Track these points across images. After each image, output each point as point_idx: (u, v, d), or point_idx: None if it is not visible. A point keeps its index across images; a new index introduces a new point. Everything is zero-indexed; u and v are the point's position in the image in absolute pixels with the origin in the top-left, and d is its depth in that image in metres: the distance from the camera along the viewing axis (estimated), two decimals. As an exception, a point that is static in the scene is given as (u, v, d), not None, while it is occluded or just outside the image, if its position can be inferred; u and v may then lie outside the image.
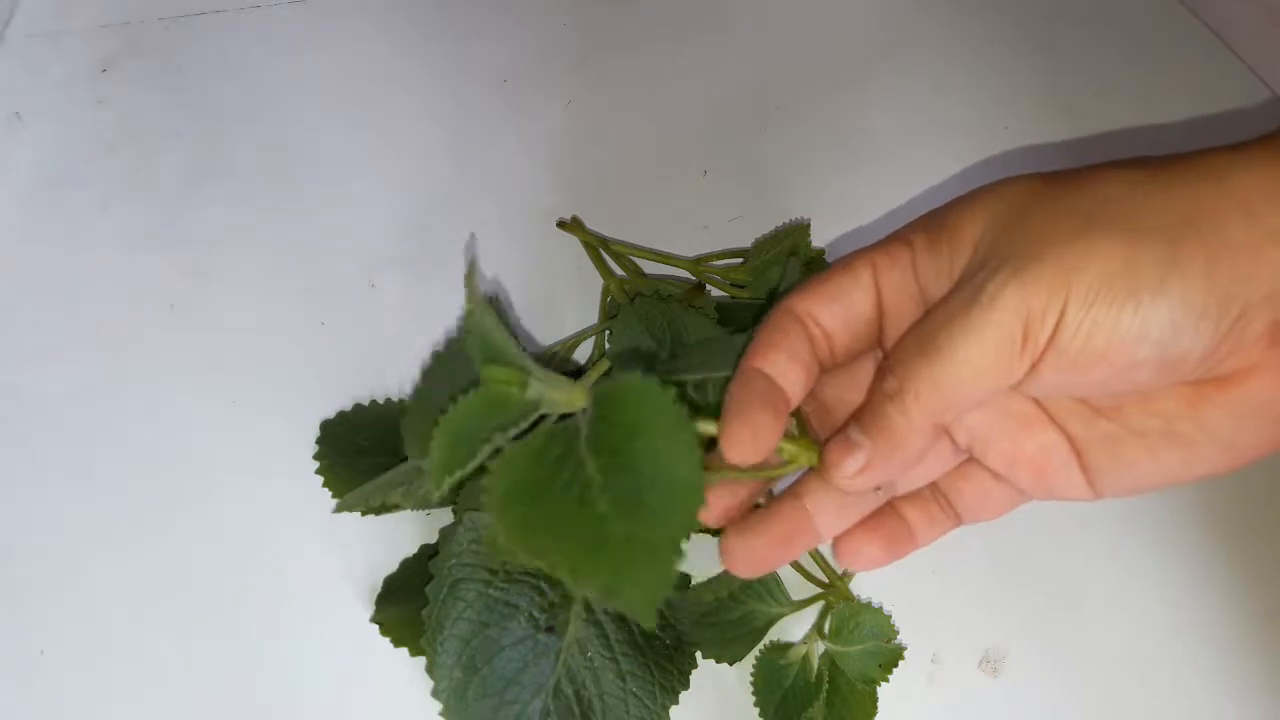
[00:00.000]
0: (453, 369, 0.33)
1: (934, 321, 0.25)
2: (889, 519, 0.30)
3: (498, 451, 0.25)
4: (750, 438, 0.25)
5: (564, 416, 0.27)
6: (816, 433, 0.31)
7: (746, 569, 0.28)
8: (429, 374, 0.35)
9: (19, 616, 0.40)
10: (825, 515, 0.29)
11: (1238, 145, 0.25)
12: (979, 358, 0.24)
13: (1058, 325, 0.23)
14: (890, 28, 0.59)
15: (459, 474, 0.25)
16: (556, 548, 0.23)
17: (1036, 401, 0.28)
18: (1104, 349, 0.23)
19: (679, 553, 0.23)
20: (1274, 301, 0.23)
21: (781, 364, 0.27)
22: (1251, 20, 0.56)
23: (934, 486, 0.31)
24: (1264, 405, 0.24)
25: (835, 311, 0.28)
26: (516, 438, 0.25)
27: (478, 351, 0.26)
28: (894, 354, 0.26)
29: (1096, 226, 0.23)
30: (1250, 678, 0.39)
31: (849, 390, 0.31)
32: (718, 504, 0.28)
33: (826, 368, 0.29)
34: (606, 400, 0.26)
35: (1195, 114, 0.55)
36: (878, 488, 0.29)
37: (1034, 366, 0.24)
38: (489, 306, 0.28)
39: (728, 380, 0.30)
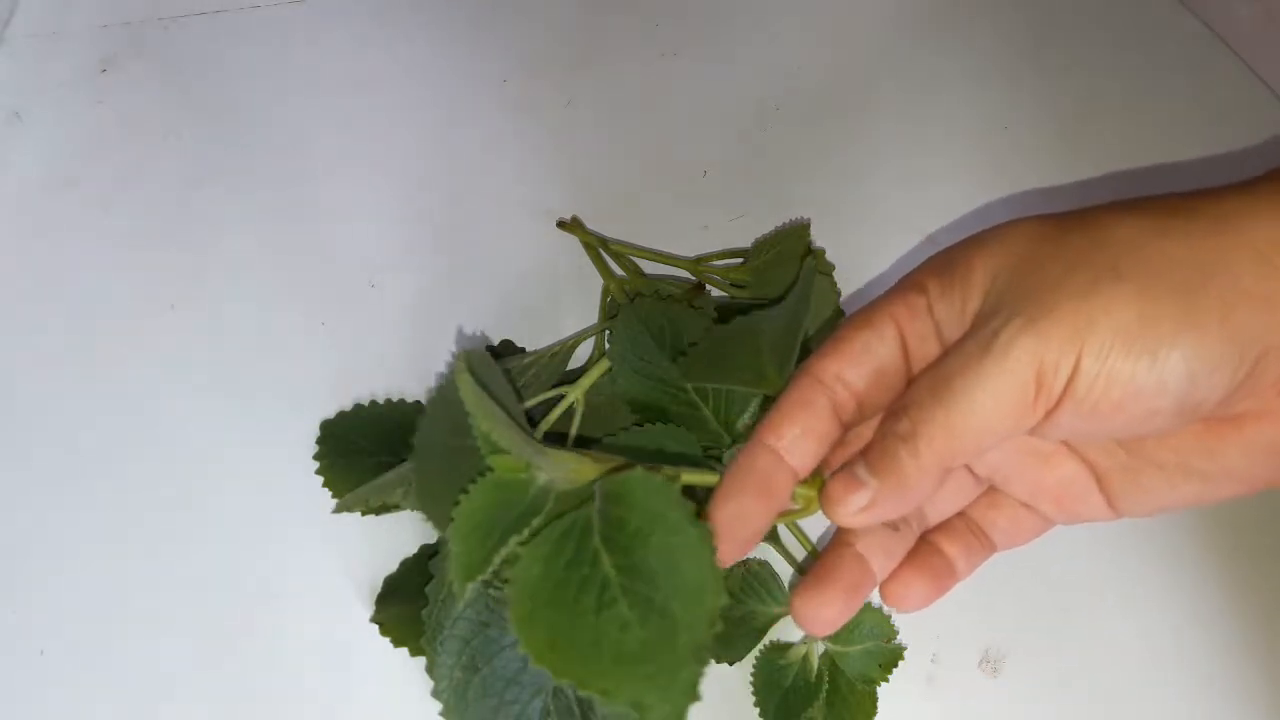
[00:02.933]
0: (451, 413, 0.32)
1: (948, 367, 0.25)
2: (931, 556, 0.30)
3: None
4: (732, 521, 0.26)
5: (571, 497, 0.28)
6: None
7: (824, 629, 0.29)
8: (430, 417, 0.35)
9: (19, 616, 0.40)
10: (875, 557, 0.30)
11: (1249, 185, 0.24)
12: (993, 405, 0.24)
13: (1073, 376, 0.23)
14: (890, 28, 0.59)
15: (480, 577, 0.26)
16: (584, 666, 0.24)
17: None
18: (1120, 399, 0.23)
19: (702, 659, 0.23)
20: None
21: (795, 439, 0.27)
22: (1251, 20, 0.56)
23: (967, 518, 0.31)
24: (1277, 445, 0.24)
25: (864, 371, 0.28)
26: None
27: (483, 443, 0.27)
28: (907, 396, 0.26)
29: (1109, 278, 0.23)
30: (1250, 678, 0.39)
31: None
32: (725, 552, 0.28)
33: (855, 423, 0.29)
34: (615, 495, 0.26)
35: (1195, 114, 0.55)
36: (896, 527, 0.30)
37: (1050, 414, 0.24)
38: (483, 373, 0.28)
39: (750, 402, 0.31)
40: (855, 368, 0.28)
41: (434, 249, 0.50)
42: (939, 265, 0.27)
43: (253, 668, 0.39)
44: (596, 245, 0.48)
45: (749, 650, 0.38)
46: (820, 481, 0.28)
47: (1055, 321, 0.23)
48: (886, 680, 0.37)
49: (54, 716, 0.38)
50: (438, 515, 0.30)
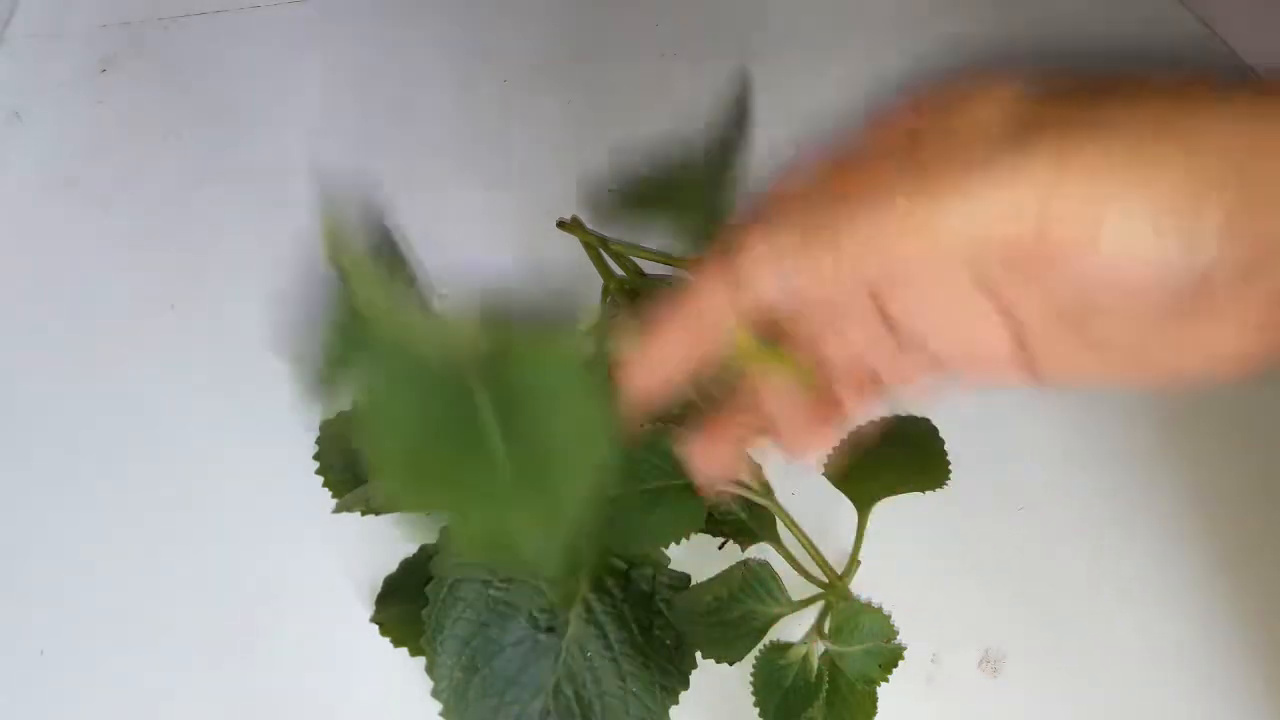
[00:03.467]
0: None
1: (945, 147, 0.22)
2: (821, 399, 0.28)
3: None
4: (661, 350, 0.26)
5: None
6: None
7: (712, 464, 0.28)
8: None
9: (19, 616, 0.40)
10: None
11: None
12: (991, 201, 0.21)
13: (1094, 228, 0.21)
14: (890, 28, 0.59)
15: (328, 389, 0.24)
16: (445, 490, 0.22)
17: (995, 298, 0.25)
18: (1136, 270, 0.21)
19: (577, 509, 0.22)
20: None
21: (723, 290, 0.25)
22: (1251, 20, 0.56)
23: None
24: (1228, 355, 0.23)
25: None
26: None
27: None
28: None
29: (1161, 131, 0.21)
30: (1250, 677, 0.39)
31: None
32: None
33: None
34: (505, 355, 0.24)
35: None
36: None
37: (1049, 262, 0.22)
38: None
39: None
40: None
41: (434, 248, 0.50)
42: (923, 105, 0.25)
43: (253, 667, 0.39)
44: (596, 245, 0.48)
45: (749, 650, 0.38)
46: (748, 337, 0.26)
47: (1103, 154, 0.21)
48: (886, 680, 0.37)
49: (54, 716, 0.38)
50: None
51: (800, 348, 0.28)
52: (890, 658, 0.37)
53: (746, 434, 0.29)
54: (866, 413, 0.29)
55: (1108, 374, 0.24)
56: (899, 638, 0.37)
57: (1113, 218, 0.21)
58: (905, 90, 0.26)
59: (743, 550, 0.39)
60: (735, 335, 0.27)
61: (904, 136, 0.25)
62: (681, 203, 0.31)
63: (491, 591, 0.33)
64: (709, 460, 0.29)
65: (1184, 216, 0.21)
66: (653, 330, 0.26)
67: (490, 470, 0.22)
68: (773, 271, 0.24)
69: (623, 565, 0.37)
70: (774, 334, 0.28)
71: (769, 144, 0.54)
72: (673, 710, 0.35)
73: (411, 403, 0.23)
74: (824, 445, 0.28)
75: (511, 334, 0.24)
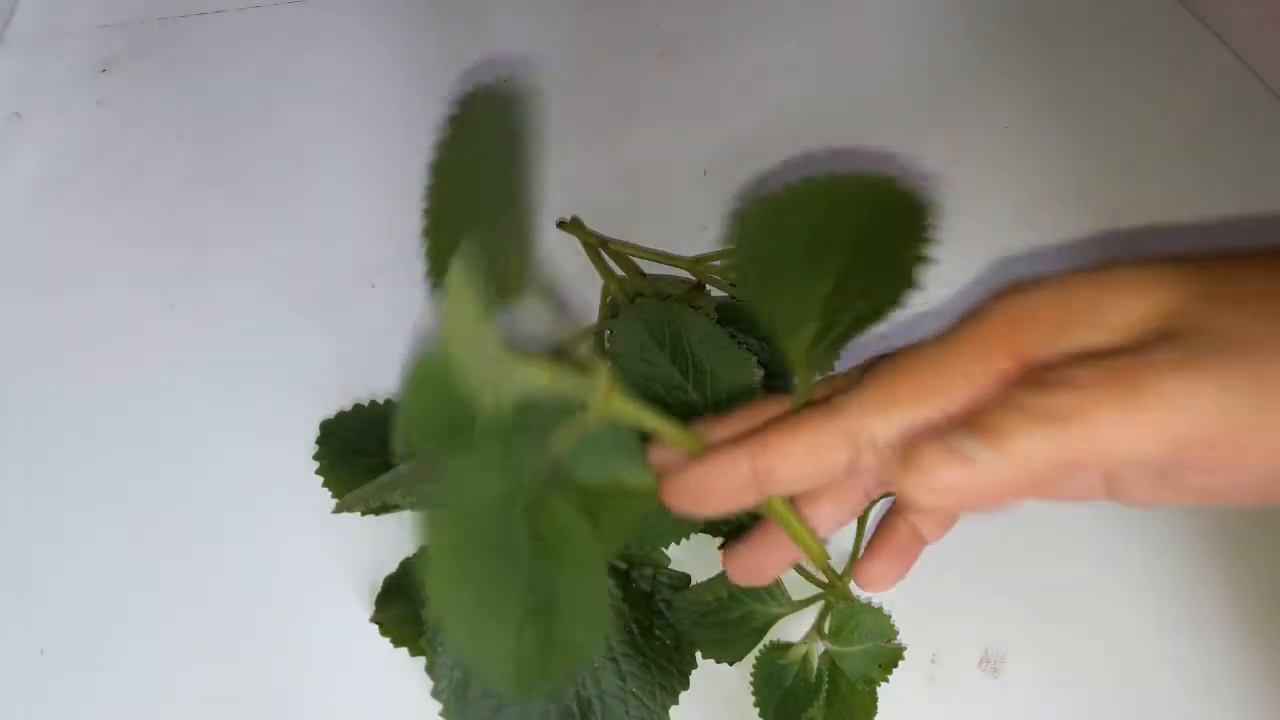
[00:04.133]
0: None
1: (1126, 363, 0.22)
2: (894, 539, 0.30)
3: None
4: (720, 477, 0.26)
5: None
6: None
7: (881, 584, 0.29)
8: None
9: (19, 616, 0.40)
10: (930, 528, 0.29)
11: None
12: (1173, 424, 0.21)
13: (1255, 443, 0.21)
14: (890, 27, 0.59)
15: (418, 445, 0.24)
16: (473, 609, 0.23)
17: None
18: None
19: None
20: None
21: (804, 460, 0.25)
22: (1251, 21, 0.56)
23: None
24: None
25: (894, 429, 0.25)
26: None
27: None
28: (1056, 376, 0.22)
29: None
30: (1250, 677, 0.39)
31: None
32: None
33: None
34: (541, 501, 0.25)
35: (1195, 114, 0.55)
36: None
37: (1213, 467, 0.22)
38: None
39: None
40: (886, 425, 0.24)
41: (434, 249, 0.50)
42: (1049, 303, 0.24)
43: (253, 667, 0.39)
44: (596, 245, 0.48)
45: (749, 650, 0.38)
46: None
47: (1258, 380, 0.21)
48: (886, 680, 0.37)
49: (54, 716, 0.38)
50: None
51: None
52: (890, 658, 0.37)
53: (788, 561, 0.29)
54: (943, 535, 0.30)
55: (1179, 501, 0.25)
56: (899, 638, 0.38)
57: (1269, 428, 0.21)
58: (1021, 290, 0.24)
59: (743, 550, 0.39)
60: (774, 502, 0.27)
61: (1021, 337, 0.24)
62: None
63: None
64: (743, 572, 0.29)
65: None
66: (712, 460, 0.26)
67: (515, 601, 0.23)
68: (956, 481, 0.22)
69: (623, 565, 0.37)
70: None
71: (767, 139, 0.54)
72: (673, 710, 0.35)
73: (473, 516, 0.24)
74: (898, 577, 0.29)
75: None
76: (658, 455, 0.27)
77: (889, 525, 0.30)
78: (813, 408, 0.25)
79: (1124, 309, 0.22)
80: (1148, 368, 0.21)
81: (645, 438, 0.27)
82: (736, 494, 0.26)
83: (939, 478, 0.22)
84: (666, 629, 0.36)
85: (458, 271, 0.24)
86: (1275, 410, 0.21)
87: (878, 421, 0.24)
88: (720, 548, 0.30)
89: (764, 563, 0.29)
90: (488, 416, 0.24)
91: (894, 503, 0.31)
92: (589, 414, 0.25)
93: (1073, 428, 0.21)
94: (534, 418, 0.25)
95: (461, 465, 0.24)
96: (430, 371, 0.24)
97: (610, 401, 0.25)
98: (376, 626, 0.38)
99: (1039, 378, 0.22)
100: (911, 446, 0.23)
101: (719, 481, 0.26)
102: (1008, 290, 0.24)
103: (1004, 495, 0.22)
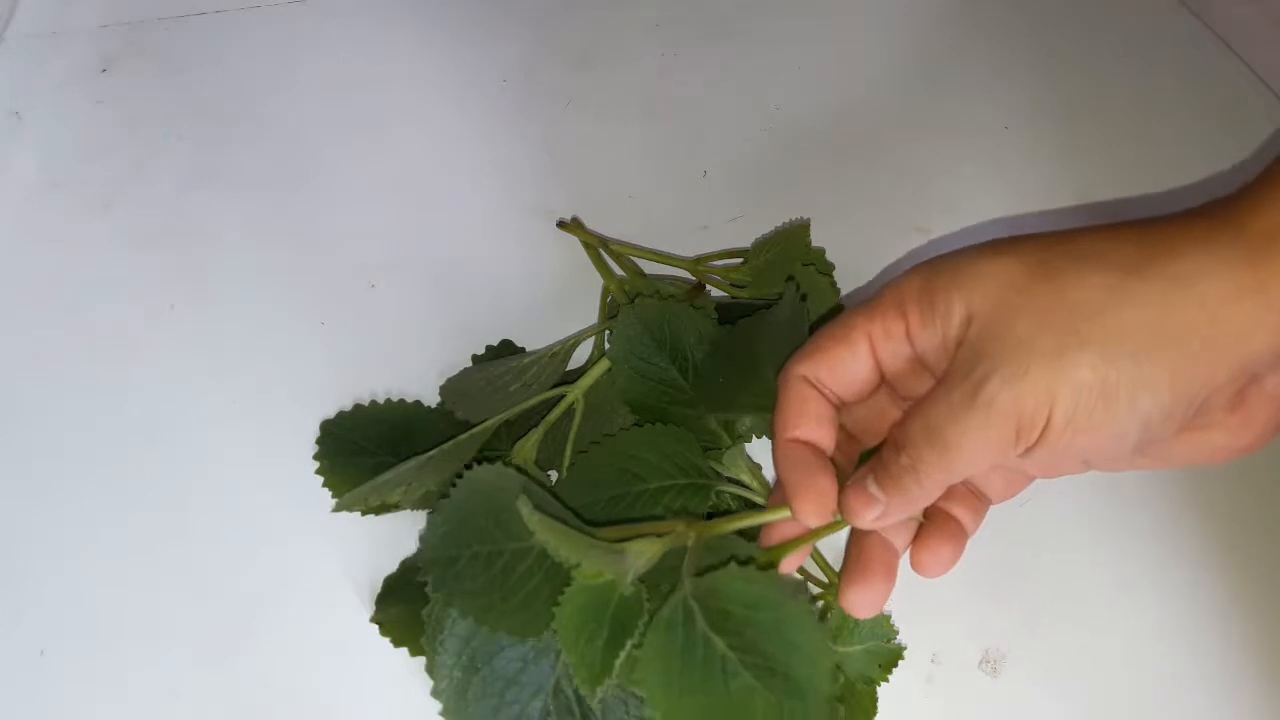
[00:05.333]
0: (475, 490, 0.34)
1: (938, 415, 0.28)
2: (947, 521, 0.34)
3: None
4: (818, 504, 0.31)
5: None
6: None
7: (870, 610, 0.33)
8: (445, 521, 0.34)
9: (19, 616, 0.40)
10: (899, 538, 0.34)
11: (1206, 232, 0.27)
12: (980, 449, 0.28)
13: (1046, 427, 0.27)
14: (890, 27, 0.59)
15: (608, 681, 0.29)
16: None
17: None
18: (1086, 444, 0.27)
19: (836, 712, 0.27)
20: (1232, 385, 0.27)
21: (813, 429, 0.32)
22: (1251, 21, 0.56)
23: (966, 482, 0.35)
24: (1220, 447, 0.29)
25: (838, 377, 0.32)
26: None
27: (565, 562, 0.30)
28: (904, 433, 0.30)
29: (1073, 344, 0.27)
30: (1249, 677, 0.39)
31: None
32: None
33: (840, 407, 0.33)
34: (714, 591, 0.30)
35: (1195, 114, 0.55)
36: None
37: (1029, 452, 0.28)
38: (538, 499, 0.31)
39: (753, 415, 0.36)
40: (830, 373, 0.32)
41: (434, 249, 0.50)
42: (920, 294, 0.30)
43: (253, 667, 0.39)
44: (596, 245, 0.48)
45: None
46: None
47: (1030, 383, 0.27)
48: (886, 680, 0.37)
49: (54, 716, 0.38)
50: (514, 624, 0.32)
51: None
52: (890, 658, 0.37)
53: (890, 562, 0.34)
54: (979, 525, 0.35)
55: (1132, 463, 0.30)
56: (899, 638, 0.38)
57: (1056, 414, 0.27)
58: (906, 278, 0.31)
59: (743, 550, 0.39)
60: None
61: (903, 319, 0.31)
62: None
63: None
64: (872, 600, 0.33)
65: (1101, 402, 0.27)
66: (796, 484, 0.31)
67: (748, 700, 0.28)
68: (876, 516, 0.31)
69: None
70: None
71: (767, 140, 0.55)
72: (673, 710, 0.35)
73: (663, 655, 0.29)
74: (953, 562, 0.33)
75: (720, 579, 0.30)
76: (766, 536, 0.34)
77: (857, 544, 0.34)
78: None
79: (958, 311, 0.29)
80: (950, 411, 0.28)
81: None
82: (824, 467, 0.32)
83: (860, 516, 0.31)
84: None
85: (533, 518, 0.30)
86: (1050, 395, 0.27)
87: (809, 368, 0.32)
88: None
89: (880, 584, 0.33)
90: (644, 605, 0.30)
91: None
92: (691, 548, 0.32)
93: (919, 472, 0.29)
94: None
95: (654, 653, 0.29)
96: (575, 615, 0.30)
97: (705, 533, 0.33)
98: (376, 626, 0.38)
99: (893, 435, 0.30)
100: (843, 493, 0.31)
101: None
102: (905, 278, 0.31)
103: (906, 514, 0.31)
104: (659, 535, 0.32)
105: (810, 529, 0.32)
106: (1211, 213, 0.27)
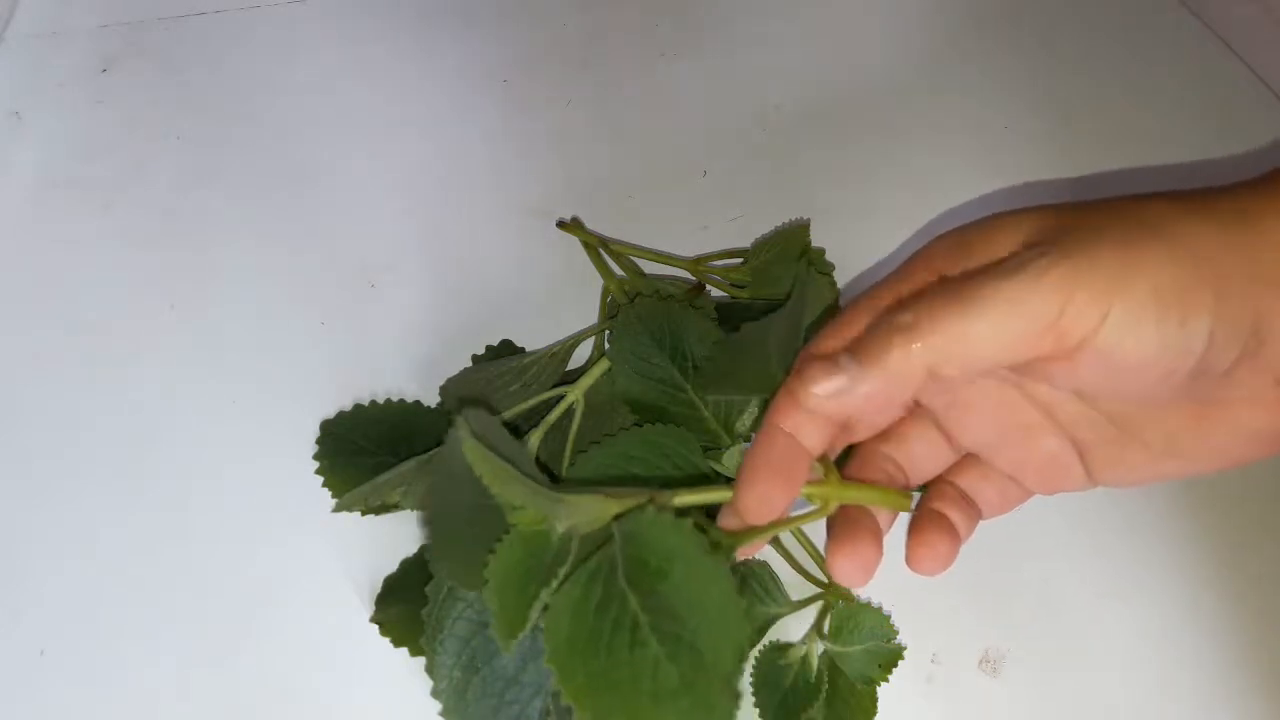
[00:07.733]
0: (459, 471, 0.33)
1: (971, 279, 0.25)
2: (940, 519, 0.31)
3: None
4: (758, 504, 0.27)
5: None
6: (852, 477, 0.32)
7: (860, 578, 0.29)
8: (440, 477, 0.34)
9: (19, 616, 0.40)
10: (879, 515, 0.31)
11: (1262, 185, 0.25)
12: (1006, 322, 0.24)
13: (1100, 327, 0.23)
14: (889, 29, 0.59)
15: (521, 633, 0.27)
16: (623, 707, 0.25)
17: (1043, 409, 0.29)
18: (1143, 358, 0.24)
19: (735, 691, 0.24)
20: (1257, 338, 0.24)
21: (802, 420, 0.28)
22: (1252, 21, 0.56)
23: (958, 487, 0.32)
24: (1261, 430, 0.26)
25: None
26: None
27: (503, 500, 0.28)
28: (916, 296, 0.26)
29: (1148, 235, 0.23)
30: (1248, 678, 0.39)
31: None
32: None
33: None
34: (631, 535, 0.27)
35: (1195, 114, 0.55)
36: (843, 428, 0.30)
37: (1070, 360, 0.24)
38: (485, 429, 0.29)
39: (749, 403, 0.33)
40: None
41: (434, 249, 0.50)
42: (952, 245, 0.27)
43: (253, 667, 0.39)
44: (596, 245, 0.48)
45: (749, 650, 0.38)
46: (834, 481, 0.29)
47: (1095, 264, 0.23)
48: (886, 680, 0.37)
49: (54, 716, 0.38)
50: (462, 574, 0.30)
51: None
52: (890, 658, 0.37)
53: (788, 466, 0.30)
54: (970, 535, 0.32)
55: (1156, 469, 0.27)
56: (899, 638, 0.38)
57: (1115, 312, 0.23)
58: (936, 239, 0.29)
59: (742, 550, 0.39)
60: (820, 470, 0.30)
61: (935, 275, 0.27)
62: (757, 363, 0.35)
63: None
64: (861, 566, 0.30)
65: (1172, 309, 0.23)
66: (744, 479, 0.28)
67: (654, 673, 0.25)
68: (834, 390, 0.26)
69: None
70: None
71: (767, 140, 0.55)
72: (673, 710, 0.35)
73: (576, 611, 0.27)
74: (949, 560, 0.30)
75: (638, 523, 0.27)
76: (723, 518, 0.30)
77: (843, 514, 0.30)
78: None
79: (1007, 240, 0.26)
80: (992, 275, 0.24)
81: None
82: (784, 474, 0.28)
83: (819, 384, 0.26)
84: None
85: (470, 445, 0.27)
86: (1116, 285, 0.23)
87: (833, 343, 0.28)
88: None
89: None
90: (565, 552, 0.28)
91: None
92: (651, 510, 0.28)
93: (919, 333, 0.24)
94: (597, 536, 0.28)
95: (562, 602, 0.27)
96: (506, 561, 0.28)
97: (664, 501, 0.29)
98: (376, 626, 0.38)
99: (902, 301, 0.26)
100: (800, 360, 0.27)
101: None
102: (935, 239, 0.29)
103: (876, 398, 0.26)
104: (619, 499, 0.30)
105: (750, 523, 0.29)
106: (1262, 181, 0.26)
